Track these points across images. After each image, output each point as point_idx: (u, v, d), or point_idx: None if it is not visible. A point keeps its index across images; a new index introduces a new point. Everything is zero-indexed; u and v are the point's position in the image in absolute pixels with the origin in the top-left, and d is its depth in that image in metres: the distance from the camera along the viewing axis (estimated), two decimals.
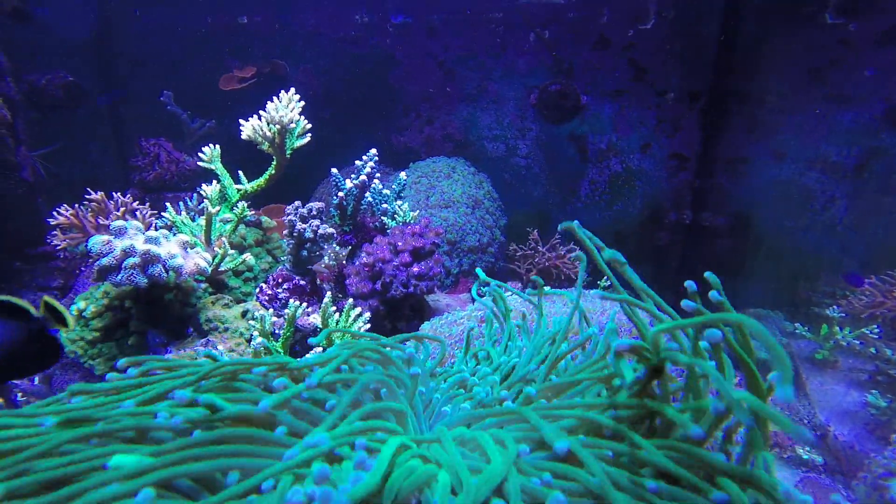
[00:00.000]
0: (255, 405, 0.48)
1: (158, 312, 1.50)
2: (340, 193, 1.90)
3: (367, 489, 0.39)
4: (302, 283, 1.73)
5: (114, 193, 1.74)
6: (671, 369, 0.54)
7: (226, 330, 1.50)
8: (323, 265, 1.89)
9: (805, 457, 1.82)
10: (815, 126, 2.59)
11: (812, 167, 2.64)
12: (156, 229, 1.56)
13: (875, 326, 2.15)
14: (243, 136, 1.75)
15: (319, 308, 1.53)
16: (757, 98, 2.67)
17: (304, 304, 1.50)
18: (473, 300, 1.98)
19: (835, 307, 2.32)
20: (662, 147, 2.99)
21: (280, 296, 1.69)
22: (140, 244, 1.35)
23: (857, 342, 2.15)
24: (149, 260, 1.33)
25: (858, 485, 1.60)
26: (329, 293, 1.62)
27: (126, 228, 1.36)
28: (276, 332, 1.49)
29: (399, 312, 1.72)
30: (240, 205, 1.78)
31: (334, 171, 1.91)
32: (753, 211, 2.81)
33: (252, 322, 1.52)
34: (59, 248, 1.65)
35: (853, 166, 2.55)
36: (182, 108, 3.22)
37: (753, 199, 2.80)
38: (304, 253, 1.78)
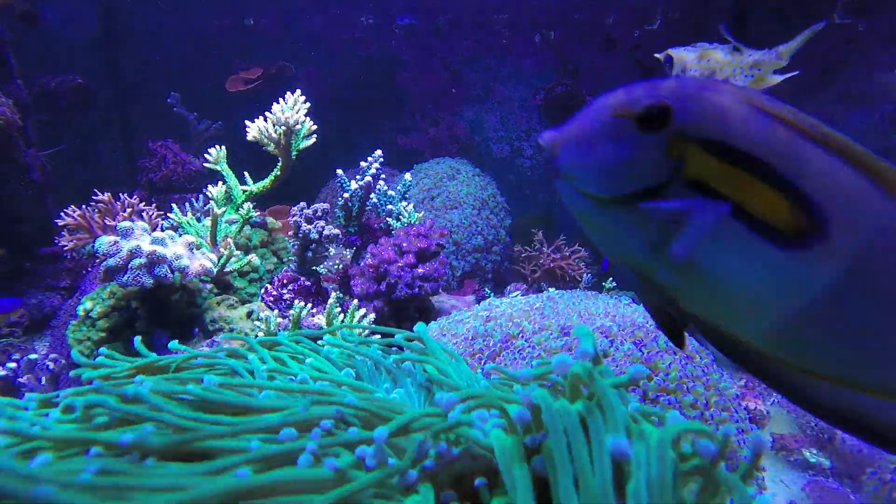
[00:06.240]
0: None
1: (164, 313, 1.51)
2: (345, 195, 1.91)
3: None
4: (307, 283, 1.74)
5: (121, 194, 1.76)
6: None
7: (231, 330, 1.51)
8: (330, 271, 1.90)
9: (812, 460, 1.81)
10: None
11: None
12: (162, 230, 1.57)
13: None
14: (249, 138, 1.76)
15: (324, 309, 1.53)
16: None
17: (309, 305, 1.50)
18: (478, 301, 1.98)
19: None
20: None
21: (285, 297, 1.69)
22: (146, 245, 1.36)
23: None
24: (155, 261, 1.34)
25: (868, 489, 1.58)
26: (334, 294, 1.62)
27: (132, 229, 1.37)
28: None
29: (404, 313, 1.72)
30: (245, 206, 1.79)
31: (339, 172, 1.92)
32: None
33: (257, 323, 1.53)
34: (66, 248, 1.67)
35: None
36: (189, 110, 3.25)
37: None
38: (310, 254, 1.78)
